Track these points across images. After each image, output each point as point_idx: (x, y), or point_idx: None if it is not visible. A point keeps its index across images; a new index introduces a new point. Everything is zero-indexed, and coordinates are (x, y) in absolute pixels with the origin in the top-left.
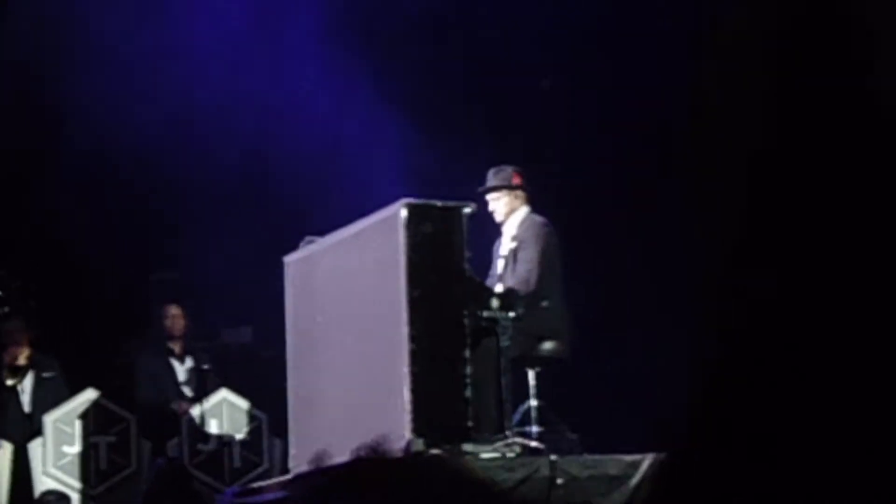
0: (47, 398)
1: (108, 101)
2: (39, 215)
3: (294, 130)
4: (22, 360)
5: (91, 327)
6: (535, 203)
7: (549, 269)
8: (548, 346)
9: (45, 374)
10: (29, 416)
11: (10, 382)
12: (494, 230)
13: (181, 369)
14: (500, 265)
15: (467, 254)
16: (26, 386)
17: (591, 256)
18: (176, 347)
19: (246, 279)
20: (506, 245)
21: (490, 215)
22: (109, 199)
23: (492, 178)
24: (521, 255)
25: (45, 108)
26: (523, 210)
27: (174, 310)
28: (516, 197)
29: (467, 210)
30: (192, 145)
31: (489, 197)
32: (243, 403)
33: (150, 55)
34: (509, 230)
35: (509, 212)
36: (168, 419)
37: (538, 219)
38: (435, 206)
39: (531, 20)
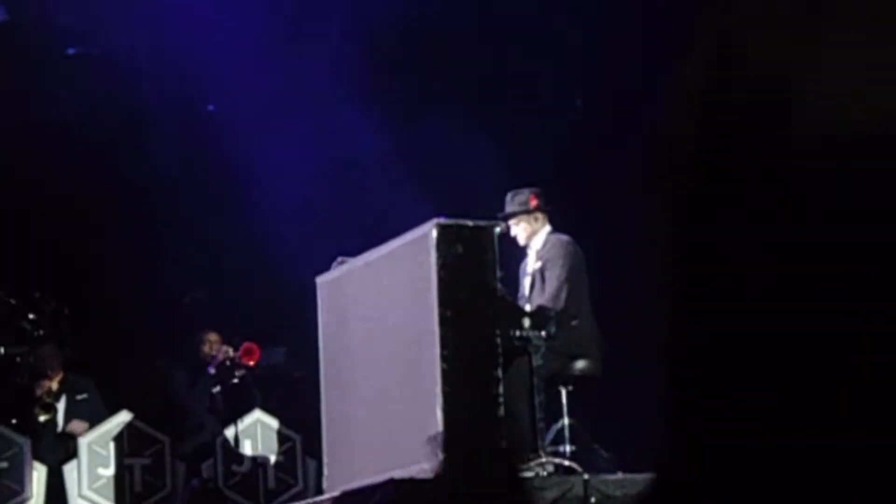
0: (81, 419)
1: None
2: (71, 235)
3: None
4: (55, 386)
5: (124, 349)
6: (556, 221)
7: (577, 286)
8: (580, 364)
9: (78, 397)
10: (62, 438)
11: (42, 419)
12: (521, 249)
13: (218, 392)
14: (526, 285)
15: (498, 273)
16: (59, 408)
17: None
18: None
19: (279, 299)
20: (531, 265)
21: (514, 236)
22: (141, 219)
23: (510, 204)
24: (548, 275)
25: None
26: (545, 230)
27: (213, 336)
28: (536, 219)
29: (498, 230)
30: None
31: (510, 222)
32: (277, 424)
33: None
34: (533, 250)
35: (531, 234)
36: (203, 441)
37: (562, 237)
38: (466, 226)
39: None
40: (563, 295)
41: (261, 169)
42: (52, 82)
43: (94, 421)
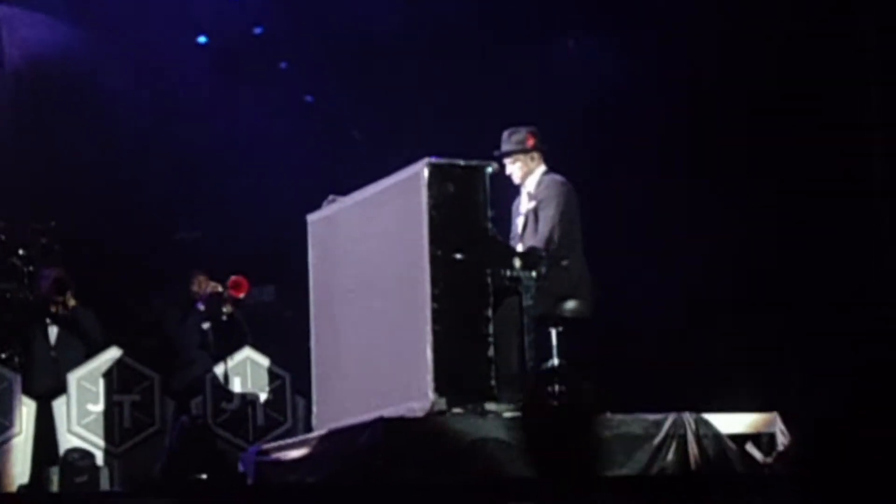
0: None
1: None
2: (63, 174)
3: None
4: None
5: (114, 286)
6: (552, 161)
7: (569, 227)
8: (570, 305)
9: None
10: (55, 365)
11: (70, 303)
12: (514, 189)
13: (208, 329)
14: (519, 224)
15: (490, 213)
16: (53, 333)
17: (614, 214)
18: (201, 307)
19: (269, 237)
20: (524, 205)
21: (509, 175)
22: (132, 158)
23: (506, 142)
24: (541, 215)
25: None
26: (540, 170)
27: (201, 276)
28: (532, 158)
29: (490, 169)
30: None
31: (506, 161)
32: (267, 362)
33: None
34: (527, 190)
35: (526, 173)
36: (193, 378)
37: (556, 178)
38: (457, 166)
39: None
40: (556, 236)
41: (252, 106)
42: None
43: (91, 337)
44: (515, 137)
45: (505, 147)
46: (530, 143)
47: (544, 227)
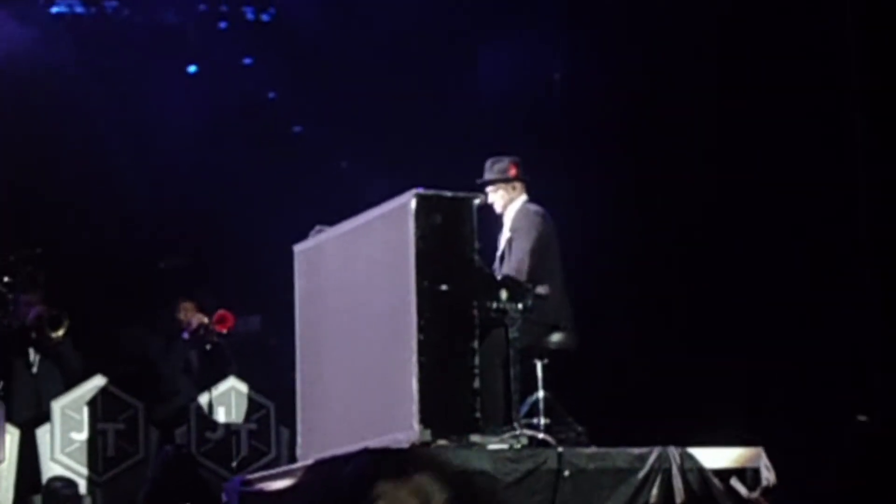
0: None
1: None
2: (48, 201)
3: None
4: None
5: (99, 314)
6: (533, 192)
7: (545, 257)
8: (556, 337)
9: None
10: (37, 395)
11: (58, 334)
12: (499, 220)
13: (193, 358)
14: (497, 256)
15: (476, 245)
16: (34, 364)
17: (597, 245)
18: (186, 337)
19: (256, 267)
20: (504, 236)
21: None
22: (120, 185)
23: (489, 171)
24: (514, 245)
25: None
26: (521, 200)
27: (187, 304)
28: (514, 188)
29: (477, 201)
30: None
31: (489, 190)
32: (251, 392)
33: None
34: (507, 220)
35: (507, 203)
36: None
37: (532, 208)
38: (444, 197)
39: None
40: (526, 267)
41: (241, 135)
42: None
43: (71, 369)
44: (498, 166)
45: (487, 176)
46: (512, 172)
47: (515, 257)
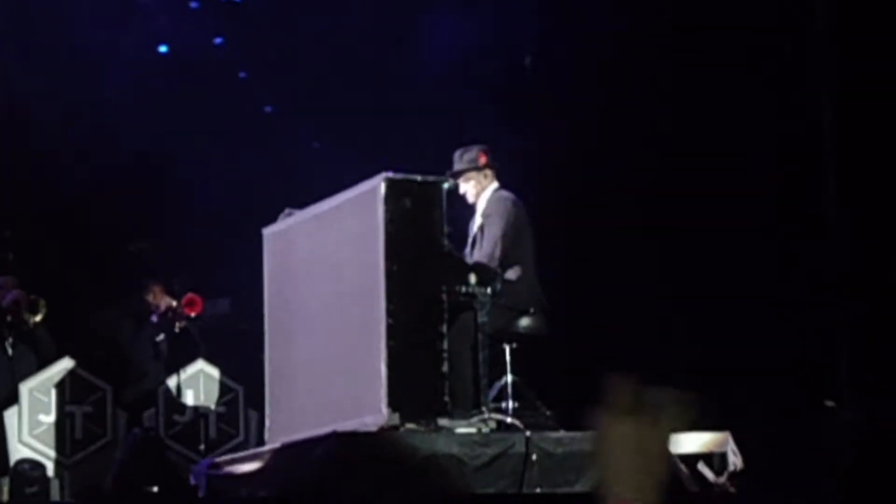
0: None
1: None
2: (14, 183)
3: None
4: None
5: (67, 297)
6: (504, 179)
7: (516, 242)
8: (524, 321)
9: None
10: (12, 379)
11: (36, 319)
12: (471, 207)
13: (161, 341)
14: (468, 243)
15: (446, 229)
16: (8, 348)
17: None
18: (155, 320)
19: (224, 250)
20: (476, 223)
21: (463, 194)
22: (88, 167)
23: (458, 161)
24: (486, 232)
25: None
26: (492, 187)
27: (156, 287)
28: (485, 176)
29: (446, 185)
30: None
31: (459, 180)
32: (220, 375)
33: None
34: (479, 206)
35: (479, 191)
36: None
37: (504, 194)
38: (414, 181)
39: None
40: (498, 253)
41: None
42: None
43: (44, 354)
44: (467, 156)
45: (457, 166)
46: (482, 160)
47: (487, 243)
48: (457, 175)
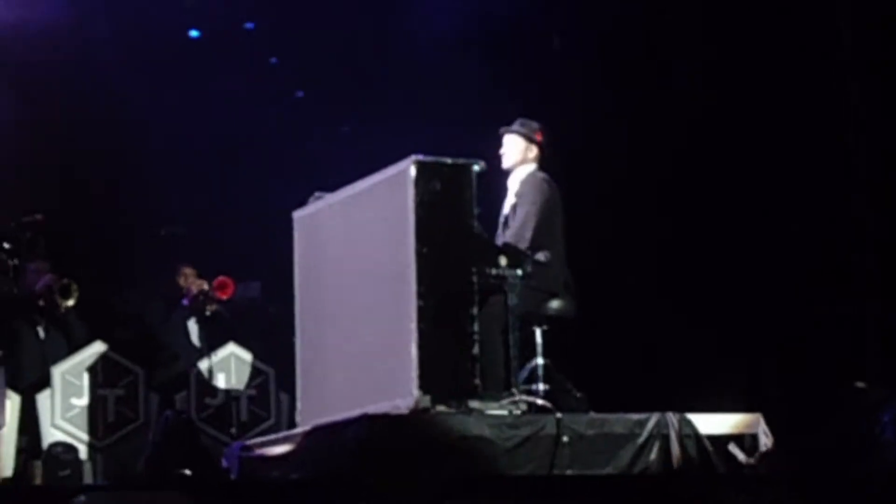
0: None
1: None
2: (48, 167)
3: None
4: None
5: (100, 280)
6: (546, 167)
7: (547, 224)
8: (555, 304)
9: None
10: (44, 363)
11: (69, 303)
12: (503, 189)
13: (192, 324)
14: (501, 222)
15: (476, 211)
16: (41, 332)
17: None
18: (186, 303)
19: (255, 233)
20: (508, 203)
21: (498, 175)
22: (119, 150)
23: (517, 124)
24: (518, 211)
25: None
26: (531, 167)
27: (188, 269)
28: (531, 151)
29: (476, 167)
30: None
31: (508, 139)
32: (251, 358)
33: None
34: (512, 186)
35: (518, 161)
36: (177, 373)
37: (539, 175)
38: (444, 164)
39: None
40: (528, 233)
41: (241, 100)
42: None
43: (76, 339)
44: (528, 125)
45: (514, 126)
46: (538, 136)
47: (518, 223)
48: (509, 132)
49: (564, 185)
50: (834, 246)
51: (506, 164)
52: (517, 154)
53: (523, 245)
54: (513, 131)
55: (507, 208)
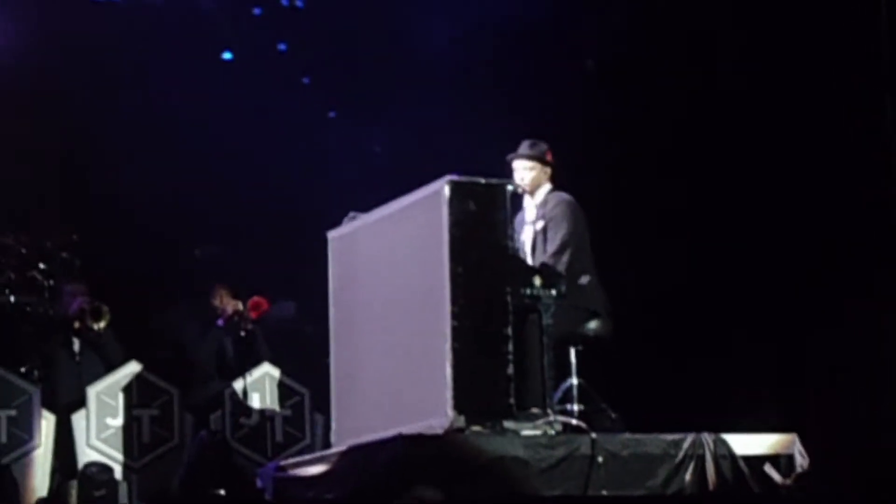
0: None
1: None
2: (83, 187)
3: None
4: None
5: (134, 300)
6: (559, 183)
7: (581, 246)
8: (591, 325)
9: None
10: (80, 383)
11: (100, 325)
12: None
13: (227, 344)
14: (527, 242)
15: (510, 231)
16: (77, 352)
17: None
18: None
19: (290, 253)
20: (531, 221)
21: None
22: (154, 171)
23: (527, 149)
24: (550, 235)
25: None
26: (547, 186)
27: (222, 290)
28: (545, 173)
29: (510, 187)
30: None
31: (522, 165)
32: (286, 378)
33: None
34: (532, 206)
35: (536, 185)
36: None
37: (564, 196)
38: (478, 184)
39: None
40: (566, 257)
41: (275, 121)
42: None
43: (111, 360)
44: (537, 148)
45: (527, 152)
46: (549, 156)
47: (553, 246)
48: (525, 157)
49: (583, 201)
50: (877, 262)
51: (525, 189)
52: (533, 180)
53: (560, 268)
54: (525, 156)
55: (529, 226)
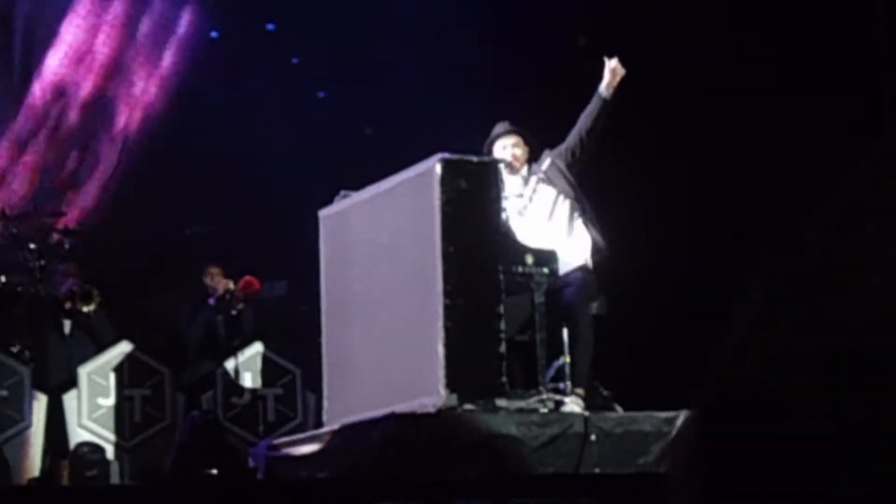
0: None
1: None
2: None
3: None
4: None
5: (124, 280)
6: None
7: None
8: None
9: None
10: (69, 363)
11: (89, 308)
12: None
13: (218, 324)
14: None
15: (503, 209)
16: (67, 333)
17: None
18: (212, 303)
19: (281, 233)
20: (515, 195)
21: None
22: (144, 151)
23: (513, 126)
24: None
25: None
26: (526, 166)
27: (214, 269)
28: (530, 152)
29: (502, 165)
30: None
31: (515, 141)
32: (278, 357)
33: None
34: (518, 184)
35: (522, 163)
36: (203, 373)
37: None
38: (470, 162)
39: None
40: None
41: (264, 101)
42: None
43: (101, 341)
44: (523, 129)
45: (519, 129)
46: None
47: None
48: (515, 134)
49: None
50: None
51: (516, 165)
52: (523, 156)
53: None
54: (520, 132)
55: (515, 202)
